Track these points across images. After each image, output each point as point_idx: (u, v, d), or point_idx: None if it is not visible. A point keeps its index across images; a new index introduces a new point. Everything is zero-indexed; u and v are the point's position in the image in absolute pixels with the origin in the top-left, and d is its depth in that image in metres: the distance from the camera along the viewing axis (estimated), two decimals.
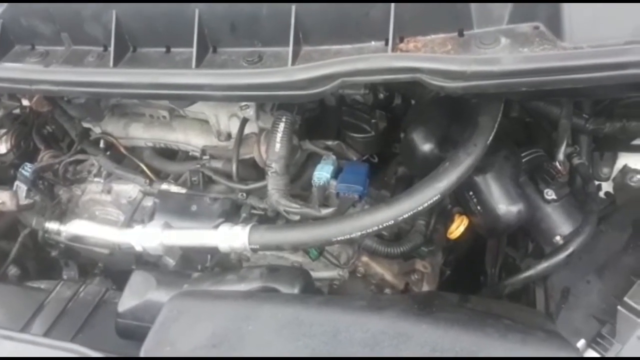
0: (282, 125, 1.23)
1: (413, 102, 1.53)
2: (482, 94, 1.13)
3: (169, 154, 1.63)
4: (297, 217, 1.22)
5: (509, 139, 1.27)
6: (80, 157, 1.55)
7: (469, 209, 1.25)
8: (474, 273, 1.83)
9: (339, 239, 1.03)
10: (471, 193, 1.22)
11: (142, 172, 1.53)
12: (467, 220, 1.29)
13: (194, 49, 1.02)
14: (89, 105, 1.53)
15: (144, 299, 1.09)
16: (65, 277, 1.76)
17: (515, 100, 1.37)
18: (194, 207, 1.29)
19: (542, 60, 0.84)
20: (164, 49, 1.09)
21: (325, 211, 1.19)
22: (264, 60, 1.01)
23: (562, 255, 1.14)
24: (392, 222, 1.03)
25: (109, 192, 1.54)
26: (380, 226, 1.03)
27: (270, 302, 0.85)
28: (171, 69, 1.03)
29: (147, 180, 1.41)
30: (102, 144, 1.70)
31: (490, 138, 1.10)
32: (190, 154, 1.53)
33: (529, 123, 1.60)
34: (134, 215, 1.42)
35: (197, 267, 1.44)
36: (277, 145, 1.22)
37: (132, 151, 1.62)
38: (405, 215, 1.03)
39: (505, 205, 1.17)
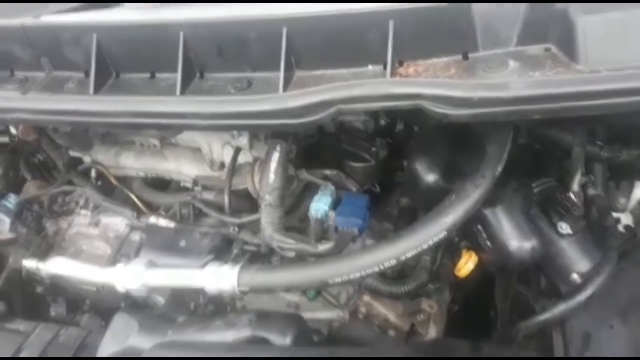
0: (276, 155, 1.15)
1: (416, 128, 1.45)
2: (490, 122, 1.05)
3: (162, 184, 1.55)
4: (292, 253, 1.13)
5: (519, 169, 1.19)
6: (66, 188, 1.47)
7: (477, 243, 1.16)
8: (484, 308, 1.75)
9: (336, 280, 0.94)
10: (480, 227, 1.13)
11: (133, 204, 1.45)
12: (475, 257, 1.20)
13: (179, 74, 0.95)
14: (76, 133, 1.46)
15: (124, 346, 1.02)
16: (53, 313, 1.68)
17: (524, 126, 1.28)
18: (182, 243, 1.20)
19: (556, 85, 0.76)
20: (148, 75, 1.02)
21: (322, 247, 1.10)
22: (253, 86, 0.93)
23: (582, 297, 1.05)
24: (394, 261, 0.94)
25: (96, 225, 1.45)
26: (382, 266, 0.94)
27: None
28: (155, 95, 0.96)
29: (135, 213, 1.33)
30: (93, 174, 1.64)
31: (500, 169, 1.02)
32: (182, 184, 1.46)
33: (538, 150, 1.52)
34: (122, 250, 1.34)
35: (190, 305, 1.36)
36: (271, 176, 1.14)
37: (124, 181, 1.55)
38: (409, 254, 0.94)
39: (517, 241, 1.08)
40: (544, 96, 0.76)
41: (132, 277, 1.05)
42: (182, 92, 0.95)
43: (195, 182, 1.41)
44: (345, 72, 0.91)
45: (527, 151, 1.43)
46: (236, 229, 1.22)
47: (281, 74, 0.90)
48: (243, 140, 1.25)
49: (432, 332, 1.32)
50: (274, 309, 1.32)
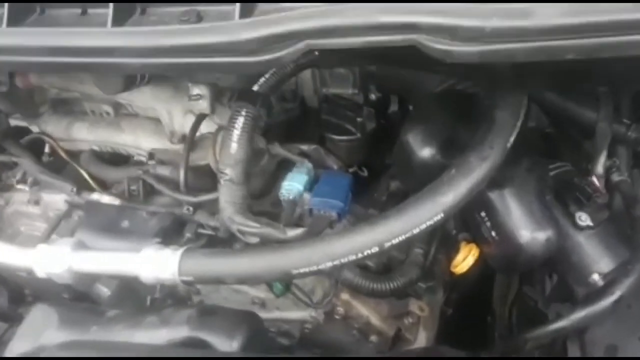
0: (240, 120, 0.95)
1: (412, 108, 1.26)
2: (501, 79, 0.86)
3: (117, 160, 1.35)
4: (255, 239, 0.93)
5: (532, 146, 0.99)
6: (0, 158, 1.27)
7: (480, 235, 0.96)
8: (480, 311, 1.55)
9: (301, 270, 0.74)
10: (484, 214, 0.93)
11: (84, 182, 1.25)
12: (477, 250, 1.00)
13: (111, 6, 0.74)
14: (16, 96, 1.26)
15: (37, 344, 0.82)
16: None
17: (534, 99, 1.08)
18: (125, 223, 1.00)
19: (599, 12, 0.56)
20: (79, 10, 0.82)
21: (291, 232, 0.90)
22: (204, 20, 0.73)
23: (607, 302, 0.85)
24: (377, 249, 0.74)
25: (36, 202, 1.25)
26: (360, 254, 0.74)
27: None
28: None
29: (74, 188, 1.12)
30: (47, 149, 1.44)
31: (512, 139, 0.82)
32: (135, 158, 1.26)
33: (551, 134, 1.33)
34: (58, 231, 1.13)
35: (146, 299, 1.17)
36: (233, 145, 0.94)
37: (77, 157, 1.35)
38: (395, 241, 0.74)
39: (529, 231, 0.88)
40: (581, 26, 0.56)
41: (53, 260, 0.85)
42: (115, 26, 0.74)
43: (150, 156, 1.20)
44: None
45: (538, 135, 1.24)
46: (190, 209, 1.02)
47: (238, 5, 0.70)
48: (203, 104, 1.05)
49: (421, 338, 1.12)
50: (236, 306, 1.12)
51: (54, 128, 1.36)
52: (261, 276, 0.75)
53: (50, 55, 0.72)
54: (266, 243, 0.91)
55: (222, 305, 0.98)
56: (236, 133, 0.95)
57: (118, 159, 1.33)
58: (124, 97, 1.25)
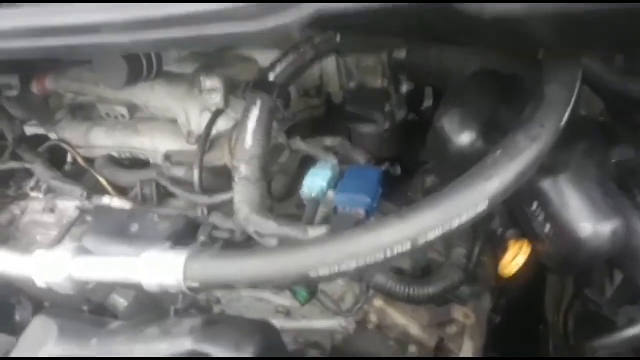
0: (255, 112, 0.86)
1: None
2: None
3: (137, 166, 1.29)
4: (273, 241, 0.83)
5: (587, 133, 0.86)
6: (12, 164, 1.21)
7: (531, 230, 0.83)
8: (531, 319, 1.42)
9: (320, 273, 0.63)
10: (535, 206, 0.80)
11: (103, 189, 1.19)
12: (527, 248, 0.87)
13: None
14: (31, 101, 1.21)
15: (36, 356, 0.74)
16: (17, 317, 1.45)
17: (586, 79, 0.94)
18: (134, 227, 0.92)
19: None
20: None
21: (313, 232, 0.80)
22: None
23: None
24: (409, 246, 0.62)
25: (52, 210, 1.19)
26: (390, 252, 0.62)
27: None
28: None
29: (85, 193, 1.05)
30: (69, 158, 1.40)
31: (566, 116, 0.70)
32: (152, 161, 1.18)
33: (606, 123, 1.18)
34: (70, 239, 1.07)
35: (169, 309, 1.09)
36: (248, 139, 0.85)
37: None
38: (431, 236, 0.62)
39: (590, 223, 0.75)
40: None
41: (53, 267, 0.77)
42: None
43: (166, 157, 1.13)
44: None
45: (592, 122, 1.11)
46: (205, 210, 0.93)
47: None
48: (216, 98, 0.97)
49: (467, 348, 0.99)
50: (258, 315, 1.02)
51: (72, 134, 1.32)
52: (275, 280, 0.65)
53: (28, 37, 0.64)
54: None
55: (232, 314, 0.89)
56: (250, 125, 0.86)
57: (137, 165, 1.27)
58: (138, 98, 1.19)
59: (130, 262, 0.72)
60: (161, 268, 0.69)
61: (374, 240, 0.62)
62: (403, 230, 0.62)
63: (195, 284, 0.68)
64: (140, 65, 0.92)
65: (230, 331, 0.60)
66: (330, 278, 0.65)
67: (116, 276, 0.75)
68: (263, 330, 0.62)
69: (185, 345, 0.60)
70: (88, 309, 1.20)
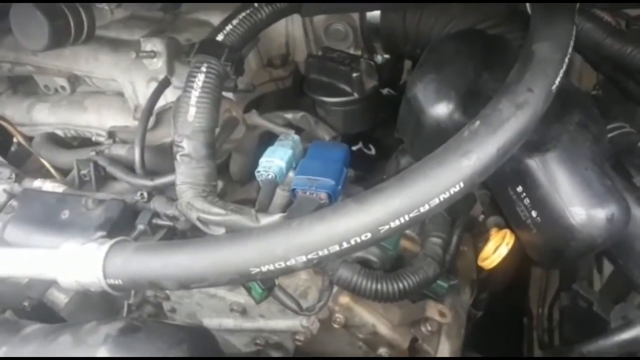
0: (200, 78, 0.74)
1: None
2: None
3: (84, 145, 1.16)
4: (220, 230, 0.72)
5: (584, 94, 0.76)
6: None
7: (515, 217, 0.73)
8: (514, 313, 1.40)
9: (263, 269, 0.52)
10: (520, 189, 0.70)
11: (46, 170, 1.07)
12: (511, 238, 0.76)
13: None
14: None
15: None
16: None
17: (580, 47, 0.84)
18: (65, 214, 0.80)
19: None
20: None
21: (265, 220, 0.68)
22: None
23: None
24: (369, 235, 0.51)
25: None
26: (345, 244, 0.51)
27: None
28: None
29: (13, 175, 0.93)
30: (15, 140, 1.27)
31: (558, 80, 0.59)
32: (94, 139, 1.06)
33: (598, 97, 1.10)
34: None
35: (123, 306, 0.99)
36: (191, 111, 0.73)
37: None
38: (395, 223, 0.51)
39: (584, 208, 0.65)
40: None
41: None
42: None
43: (110, 135, 1.01)
44: None
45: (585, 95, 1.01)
46: (145, 194, 0.81)
47: None
48: (157, 63, 0.84)
49: (443, 349, 0.89)
50: (211, 313, 0.91)
51: (14, 111, 1.20)
52: (209, 278, 0.54)
53: None
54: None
55: (159, 321, 0.77)
56: (194, 94, 0.74)
57: (84, 145, 1.15)
58: (81, 68, 1.06)
59: (46, 256, 0.60)
60: (79, 263, 0.58)
61: (327, 230, 0.51)
62: (361, 218, 0.51)
63: (118, 282, 0.57)
64: (67, 23, 0.79)
65: (152, 340, 0.49)
66: (276, 274, 0.54)
67: (29, 272, 0.63)
68: (192, 339, 0.50)
69: (100, 354, 0.49)
70: (29, 305, 1.09)
